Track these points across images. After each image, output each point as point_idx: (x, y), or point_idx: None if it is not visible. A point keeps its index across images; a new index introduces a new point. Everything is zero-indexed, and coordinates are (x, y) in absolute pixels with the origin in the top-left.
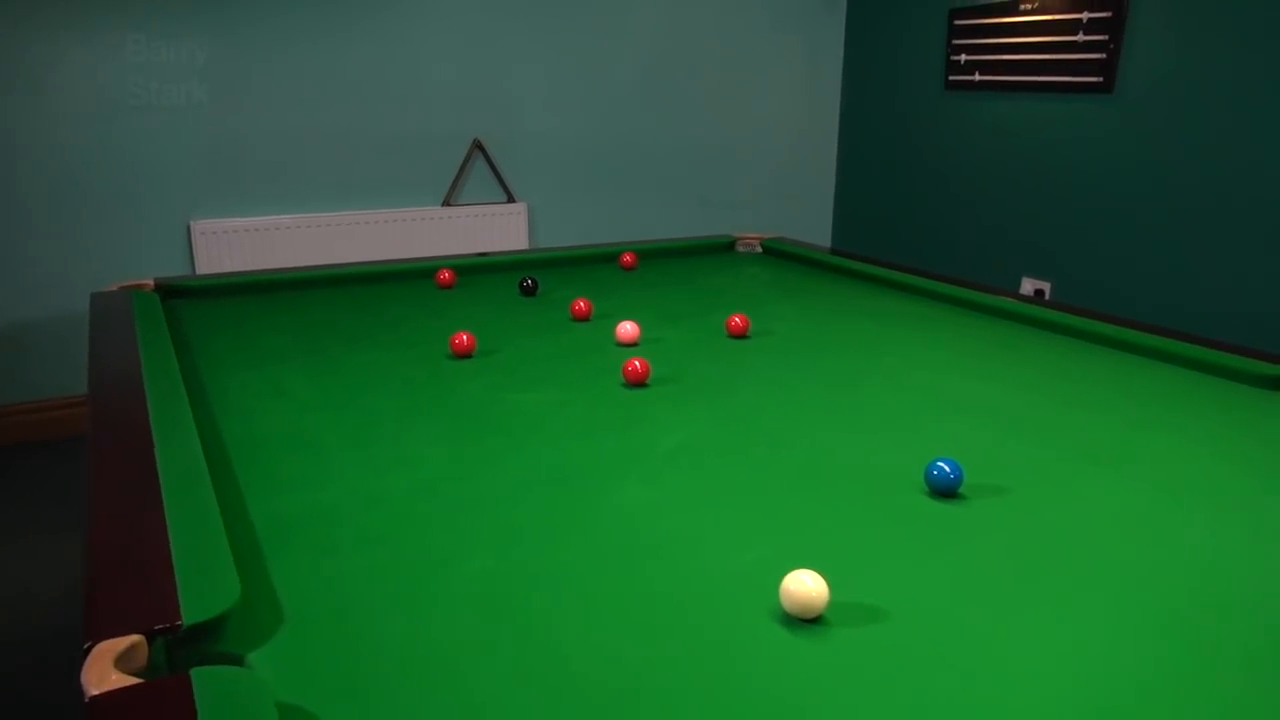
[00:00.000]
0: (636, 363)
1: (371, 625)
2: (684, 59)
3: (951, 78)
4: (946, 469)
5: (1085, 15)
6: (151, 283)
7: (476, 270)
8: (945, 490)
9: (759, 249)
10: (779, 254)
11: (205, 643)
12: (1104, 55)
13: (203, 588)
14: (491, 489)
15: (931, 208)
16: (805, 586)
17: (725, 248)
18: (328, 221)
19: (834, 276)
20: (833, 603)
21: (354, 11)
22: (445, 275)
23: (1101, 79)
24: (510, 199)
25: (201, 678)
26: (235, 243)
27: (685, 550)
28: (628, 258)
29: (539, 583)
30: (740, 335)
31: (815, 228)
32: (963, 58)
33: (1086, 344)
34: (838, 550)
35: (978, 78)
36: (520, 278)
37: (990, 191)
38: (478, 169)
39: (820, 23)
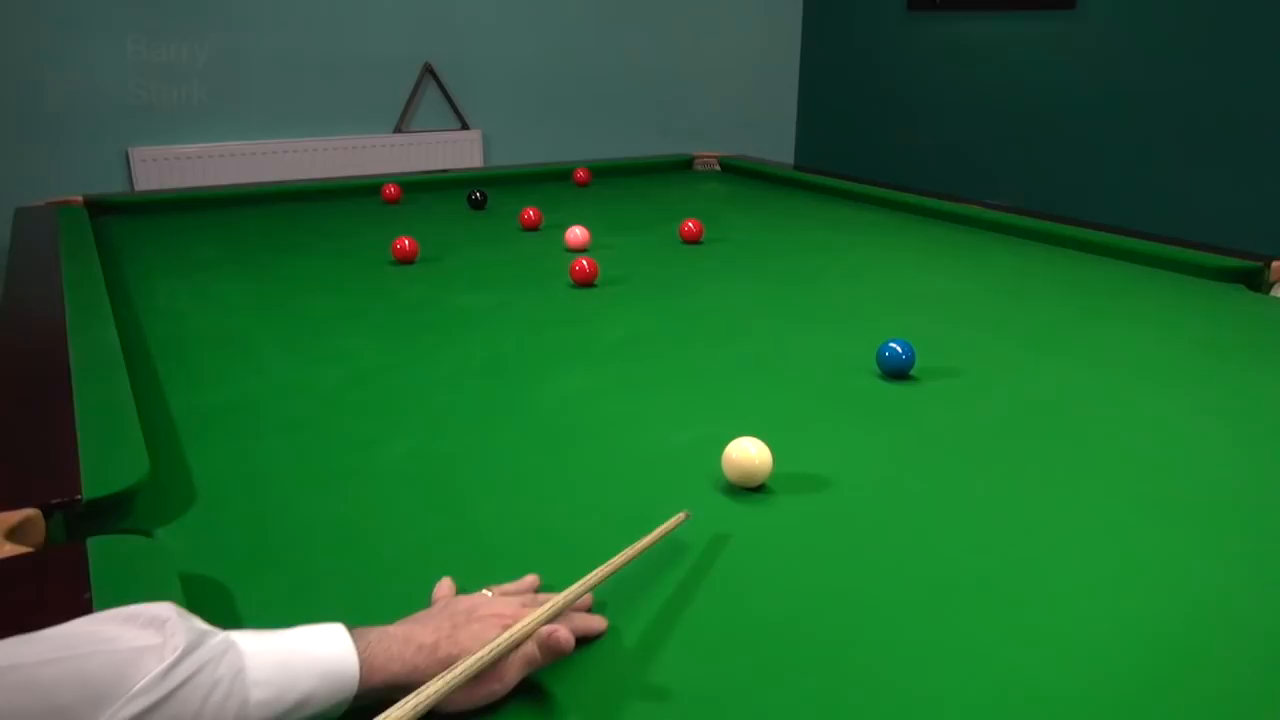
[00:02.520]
0: (584, 261)
1: (288, 503)
2: None
3: None
4: (898, 349)
5: None
6: (80, 199)
7: (425, 187)
8: (897, 371)
9: (717, 167)
10: (738, 171)
11: (110, 520)
12: None
13: (107, 465)
14: (423, 379)
15: (895, 131)
16: (747, 453)
17: (682, 166)
18: (275, 148)
19: (793, 191)
20: (776, 473)
21: None
22: (390, 190)
23: None
24: (464, 126)
25: (98, 547)
26: (177, 170)
27: (624, 431)
28: (581, 174)
29: (467, 462)
30: (693, 241)
31: (776, 154)
32: None
33: (1044, 245)
34: (784, 427)
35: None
36: (468, 191)
37: (954, 113)
38: (430, 95)
39: None
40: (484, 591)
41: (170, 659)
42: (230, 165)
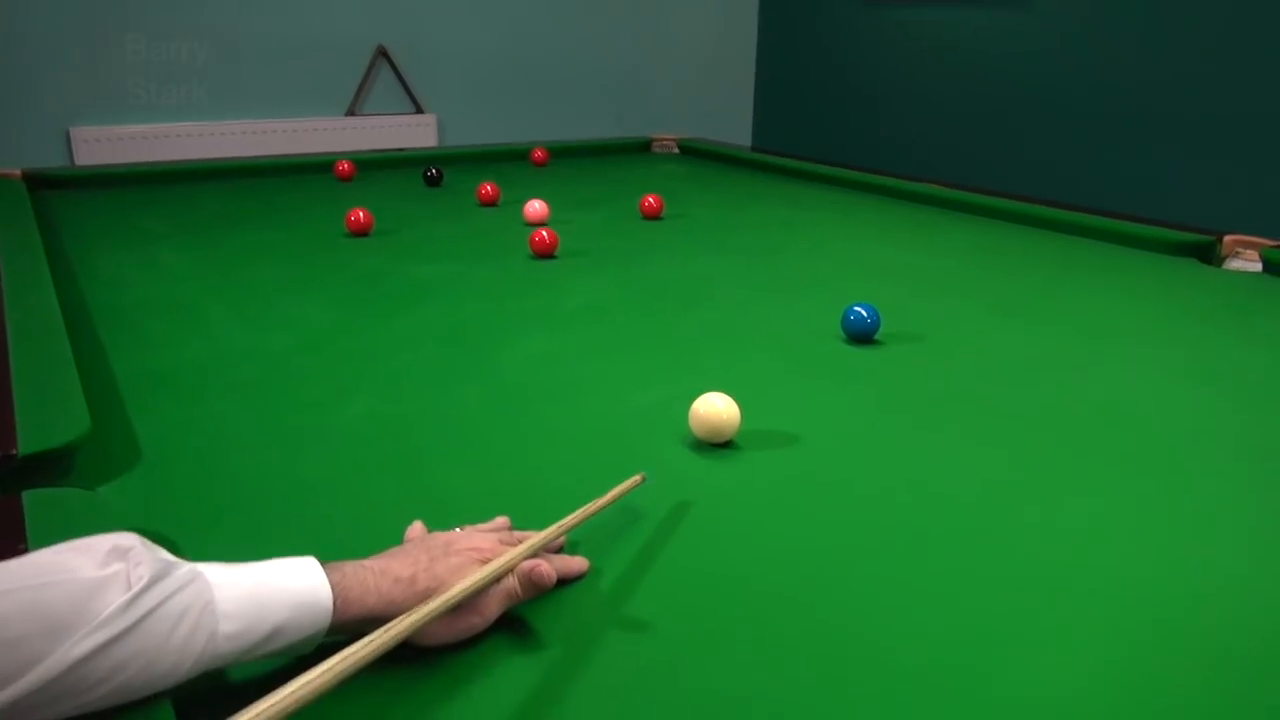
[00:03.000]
0: (543, 232)
1: (239, 462)
2: None
3: None
4: (863, 312)
5: None
6: (18, 172)
7: (379, 165)
8: (862, 334)
9: (675, 149)
10: (696, 153)
11: (50, 478)
12: None
13: (45, 421)
14: (379, 344)
15: (851, 121)
16: (715, 408)
17: (640, 148)
18: (222, 130)
19: (752, 172)
20: (744, 430)
21: None
22: (344, 166)
23: None
24: (418, 110)
25: (35, 499)
26: (120, 151)
27: (587, 392)
28: (538, 153)
29: (427, 422)
30: (654, 216)
31: (733, 141)
32: None
33: (1001, 222)
34: (750, 388)
35: None
36: (424, 168)
37: (910, 103)
38: (384, 78)
39: None
40: (456, 529)
41: (135, 589)
42: (175, 146)
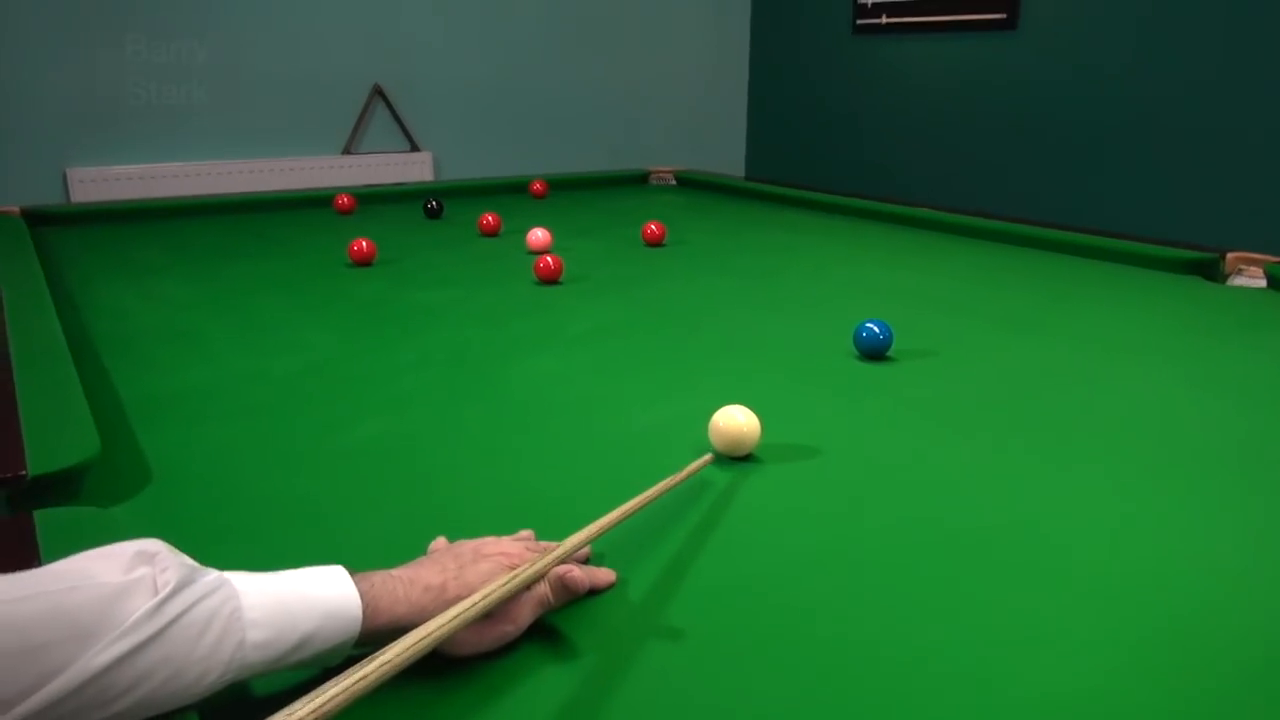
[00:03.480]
0: (548, 258)
1: (250, 483)
2: (588, 6)
3: (859, 21)
4: (875, 329)
5: None
6: (17, 209)
7: (379, 199)
8: (874, 350)
9: (673, 181)
10: (693, 184)
11: (60, 498)
12: None
13: (54, 443)
14: (385, 367)
15: (842, 150)
16: (735, 420)
17: (638, 180)
18: (217, 169)
19: (749, 200)
20: (762, 443)
21: None
22: (343, 200)
23: (1005, 16)
24: (414, 148)
25: (46, 518)
26: (116, 191)
27: (600, 410)
28: (537, 185)
29: (438, 442)
30: (656, 243)
31: (727, 172)
32: (869, 0)
33: (1003, 244)
34: (765, 402)
35: (885, 20)
36: (424, 200)
37: (899, 130)
38: (379, 116)
39: None
40: (484, 538)
41: (162, 594)
42: (171, 187)
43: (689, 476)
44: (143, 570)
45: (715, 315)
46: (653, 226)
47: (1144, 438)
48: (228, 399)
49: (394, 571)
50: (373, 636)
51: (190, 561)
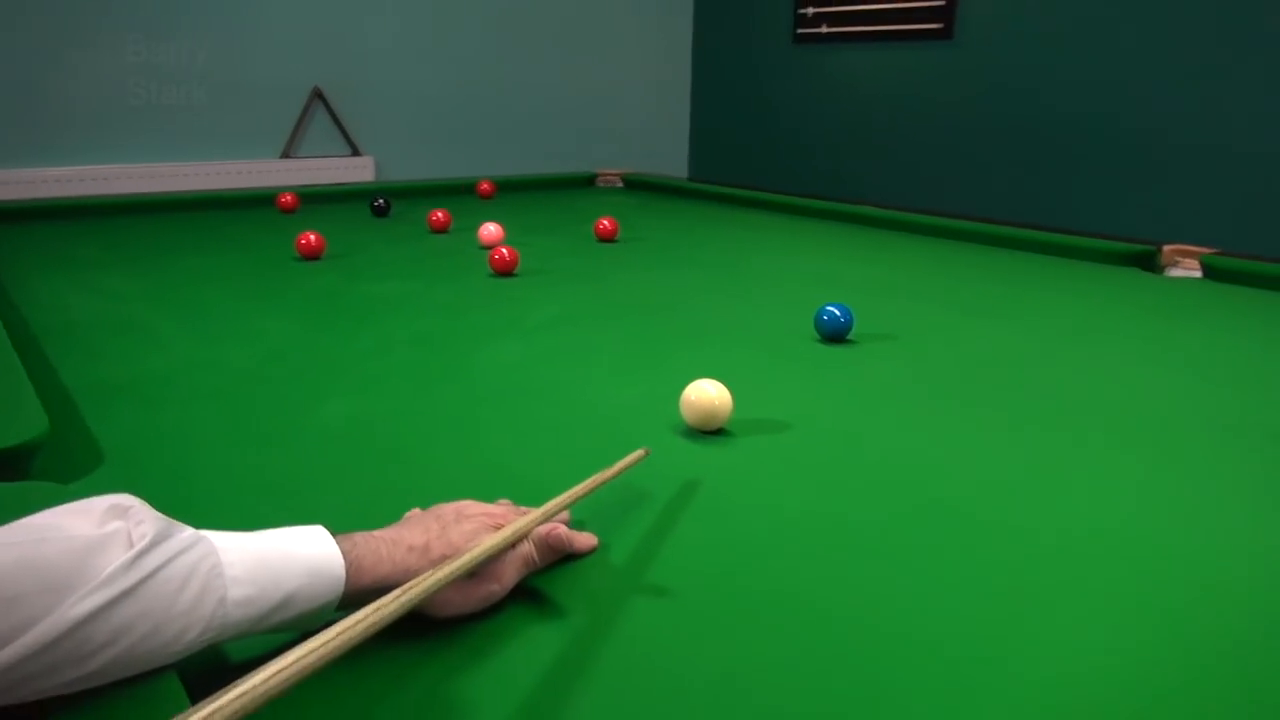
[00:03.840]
0: (504, 250)
1: (210, 462)
2: (533, 13)
3: (800, 30)
4: (836, 312)
5: None
6: None
7: (323, 199)
8: (836, 333)
9: (620, 183)
10: (642, 185)
11: (9, 478)
12: (944, 2)
13: (1, 421)
14: (346, 353)
15: (784, 154)
16: (707, 394)
17: (585, 182)
18: (150, 172)
19: (699, 201)
20: (734, 418)
21: None
22: (286, 198)
23: (942, 25)
24: (356, 152)
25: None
26: (43, 194)
27: (571, 389)
28: (485, 185)
29: (407, 420)
30: (609, 238)
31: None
32: (810, 10)
33: (946, 240)
34: (733, 382)
35: (825, 30)
36: (371, 198)
37: (841, 135)
38: (319, 120)
39: None
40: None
41: (139, 547)
42: (100, 190)
43: (624, 471)
44: (117, 524)
45: (677, 304)
46: (605, 222)
47: (1095, 407)
48: (183, 385)
49: (375, 533)
50: (356, 597)
51: (166, 517)
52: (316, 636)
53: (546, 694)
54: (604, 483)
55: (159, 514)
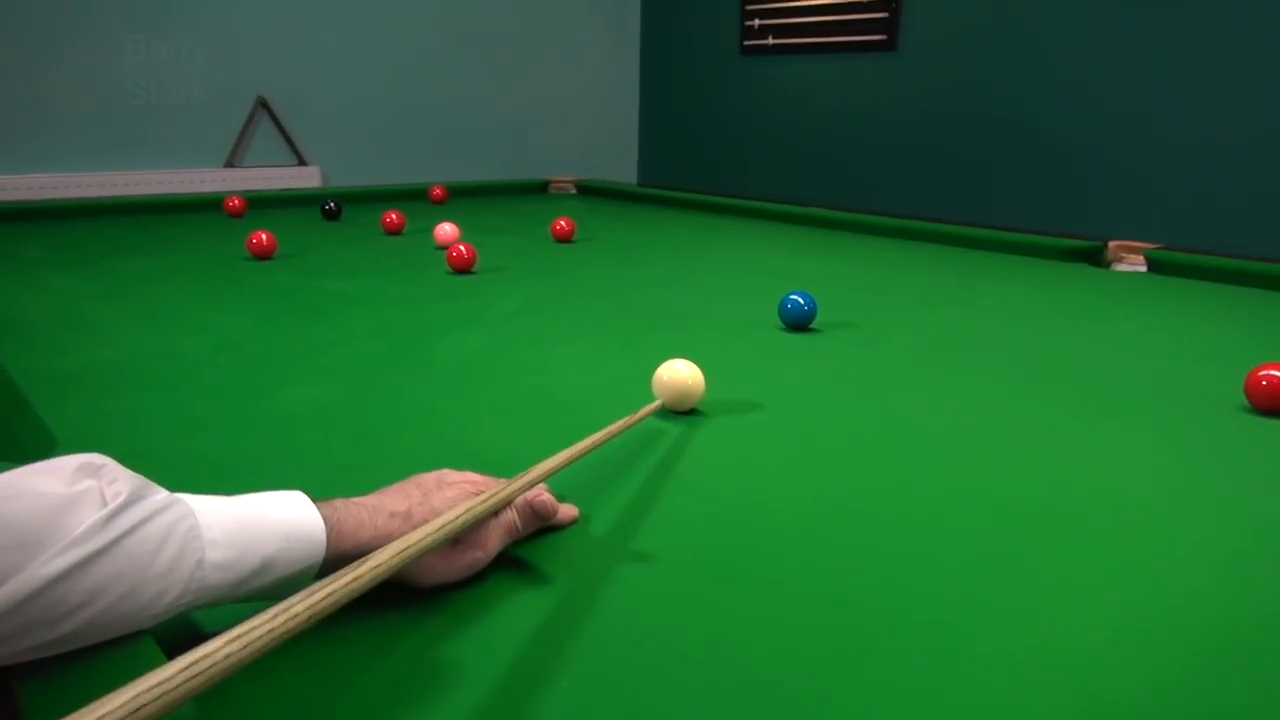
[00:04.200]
0: (461, 247)
1: (169, 444)
2: (480, 23)
3: (747, 43)
4: (800, 299)
5: None
6: None
7: (271, 204)
8: (800, 321)
9: (573, 190)
10: (594, 191)
11: None
12: (887, 14)
13: None
14: (305, 343)
15: (732, 164)
16: (680, 374)
17: (538, 189)
18: (91, 181)
19: (652, 206)
20: (705, 399)
21: None
22: (234, 202)
23: (886, 37)
24: (301, 161)
25: None
26: None
27: (537, 374)
28: (437, 191)
29: (371, 404)
30: (566, 239)
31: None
32: (756, 23)
33: (898, 240)
34: (701, 366)
35: (771, 42)
36: (321, 202)
37: (788, 142)
38: (264, 129)
39: None
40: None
41: (113, 505)
42: (39, 198)
43: (642, 419)
44: (88, 483)
45: (639, 297)
46: (562, 222)
47: (1051, 383)
48: (138, 375)
49: (355, 499)
50: (337, 564)
51: (140, 476)
52: (295, 598)
53: (532, 660)
54: (616, 434)
55: (133, 473)
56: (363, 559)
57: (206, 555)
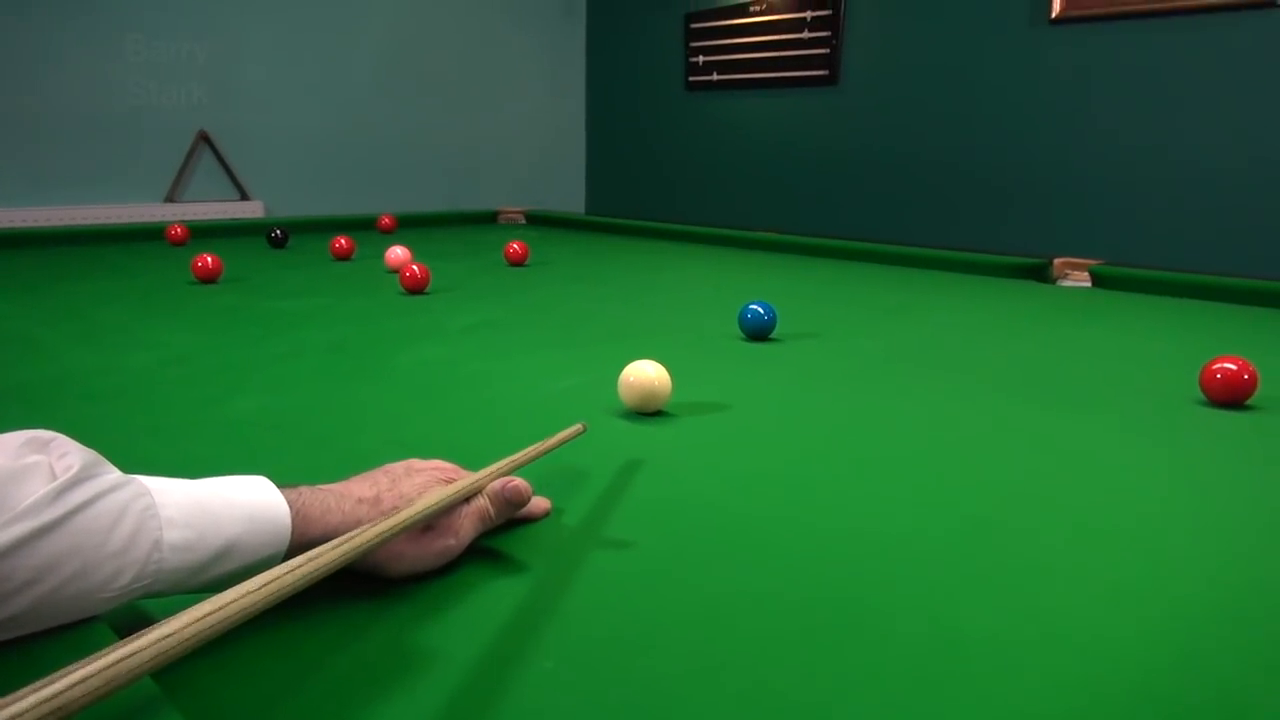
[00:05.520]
0: (414, 267)
1: (114, 452)
2: (424, 59)
3: (691, 78)
4: (759, 309)
5: (809, 14)
6: None
7: (214, 233)
8: (759, 330)
9: (523, 220)
10: (544, 221)
11: None
12: (828, 50)
13: None
14: (255, 357)
15: (679, 195)
16: (646, 374)
17: (487, 219)
18: (25, 216)
19: (602, 234)
20: (671, 401)
21: None
22: (177, 230)
23: (828, 72)
24: (244, 196)
25: None
26: None
27: (497, 383)
28: (386, 220)
29: (325, 413)
30: (519, 262)
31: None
32: (700, 59)
33: (853, 261)
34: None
35: (716, 77)
36: (267, 230)
37: (733, 172)
38: (206, 164)
39: (560, 28)
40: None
41: (63, 479)
42: None
43: (560, 445)
44: (36, 457)
45: (596, 311)
46: (515, 245)
47: (1005, 384)
48: (77, 388)
49: (321, 486)
50: (303, 551)
51: (93, 452)
52: (261, 576)
53: (506, 646)
54: (540, 455)
55: (85, 448)
56: (333, 541)
57: (165, 535)
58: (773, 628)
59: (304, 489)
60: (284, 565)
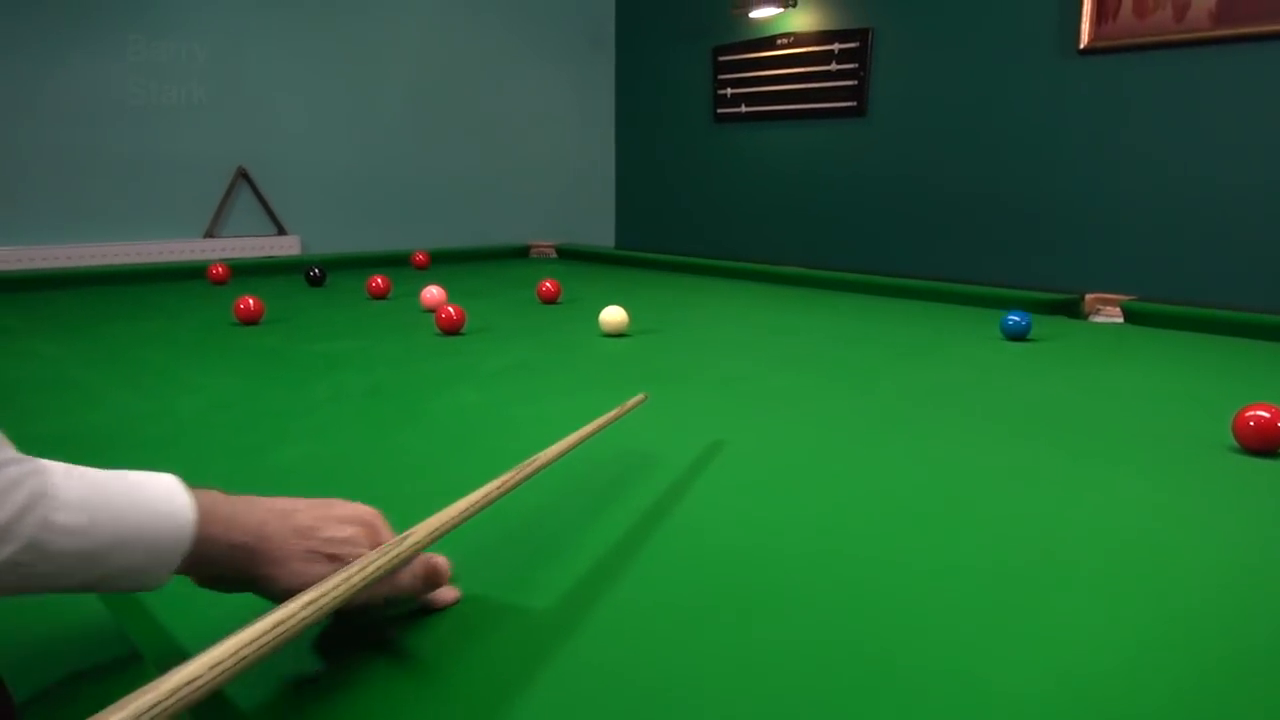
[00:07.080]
0: (450, 309)
1: None
2: (453, 93)
3: (720, 110)
4: (1017, 318)
5: (836, 46)
6: None
7: (253, 271)
8: (1018, 334)
9: (554, 254)
10: (574, 255)
11: None
12: (856, 81)
13: None
14: (298, 402)
15: (708, 227)
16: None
17: (519, 253)
18: (69, 254)
19: (632, 268)
20: (696, 444)
21: (91, 19)
22: (218, 269)
23: (856, 104)
24: (281, 231)
25: None
26: None
27: (531, 429)
28: (420, 256)
29: (368, 461)
30: (551, 300)
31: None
32: (729, 91)
33: (877, 296)
34: (707, 429)
35: (744, 109)
36: (305, 268)
37: (761, 205)
38: (244, 199)
39: (588, 61)
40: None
41: None
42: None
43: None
44: None
45: (638, 354)
46: (548, 284)
47: (1037, 424)
48: (128, 435)
49: (235, 495)
50: (207, 557)
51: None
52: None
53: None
54: (606, 425)
55: None
56: (297, 597)
57: (55, 516)
58: (801, 683)
59: (215, 492)
60: (254, 631)
